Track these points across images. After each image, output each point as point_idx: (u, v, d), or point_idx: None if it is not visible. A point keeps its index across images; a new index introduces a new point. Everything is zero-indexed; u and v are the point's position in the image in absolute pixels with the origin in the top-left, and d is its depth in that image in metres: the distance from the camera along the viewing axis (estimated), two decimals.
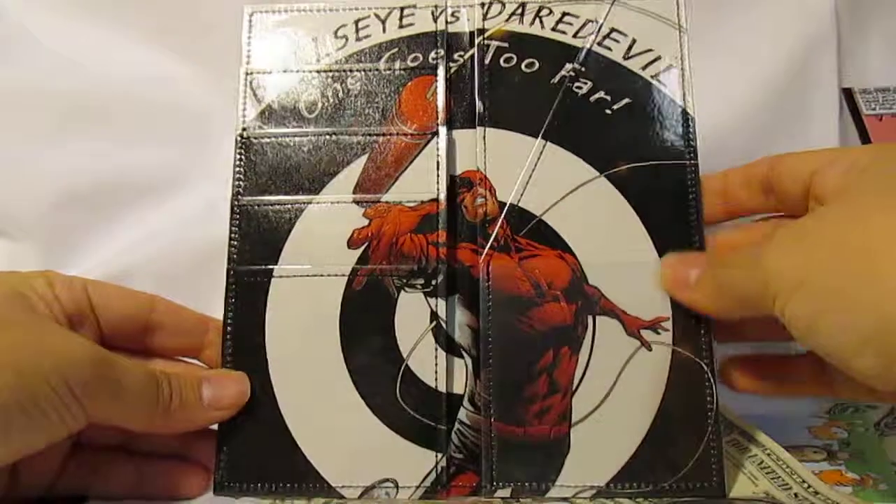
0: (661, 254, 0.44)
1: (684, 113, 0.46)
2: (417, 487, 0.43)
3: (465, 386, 0.44)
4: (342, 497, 0.43)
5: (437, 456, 0.43)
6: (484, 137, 0.47)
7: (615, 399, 0.43)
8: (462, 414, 0.44)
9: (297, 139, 0.48)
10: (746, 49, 0.73)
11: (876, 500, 0.40)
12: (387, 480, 0.43)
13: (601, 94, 0.47)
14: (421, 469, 0.43)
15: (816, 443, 0.47)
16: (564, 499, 0.42)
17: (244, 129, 0.48)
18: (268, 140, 0.48)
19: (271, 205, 0.46)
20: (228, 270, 0.46)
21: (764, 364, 0.45)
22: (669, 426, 0.42)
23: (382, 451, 0.43)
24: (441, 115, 0.47)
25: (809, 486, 0.40)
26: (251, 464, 0.43)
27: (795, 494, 0.40)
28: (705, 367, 0.43)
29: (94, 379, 0.37)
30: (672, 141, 0.46)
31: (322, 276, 0.45)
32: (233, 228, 0.46)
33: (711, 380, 0.43)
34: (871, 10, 0.76)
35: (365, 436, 0.44)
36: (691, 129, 0.46)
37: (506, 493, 0.43)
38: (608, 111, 0.47)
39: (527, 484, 0.43)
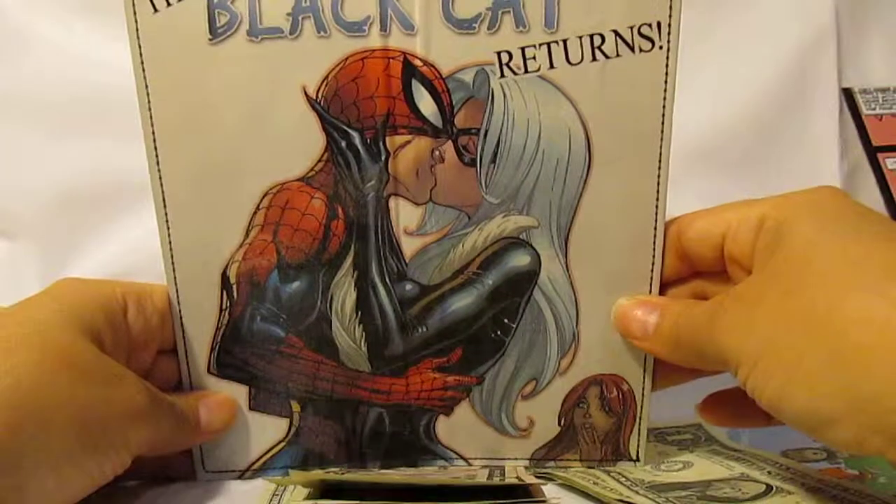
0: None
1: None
2: None
3: None
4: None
5: None
6: None
7: None
8: None
9: None
10: (746, 49, 0.73)
11: (876, 493, 0.39)
12: None
13: None
14: None
15: (816, 444, 0.47)
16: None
17: None
18: None
19: None
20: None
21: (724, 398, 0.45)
22: None
23: None
24: None
25: (782, 465, 0.44)
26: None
27: (769, 472, 0.43)
28: None
29: (147, 426, 0.38)
30: None
31: None
32: None
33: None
34: (872, 10, 0.76)
35: None
36: None
37: None
38: None
39: None
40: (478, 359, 0.44)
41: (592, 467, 0.46)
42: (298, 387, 0.44)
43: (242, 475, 0.46)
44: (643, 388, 0.44)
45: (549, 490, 0.43)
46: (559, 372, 0.44)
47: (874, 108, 0.76)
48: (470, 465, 0.46)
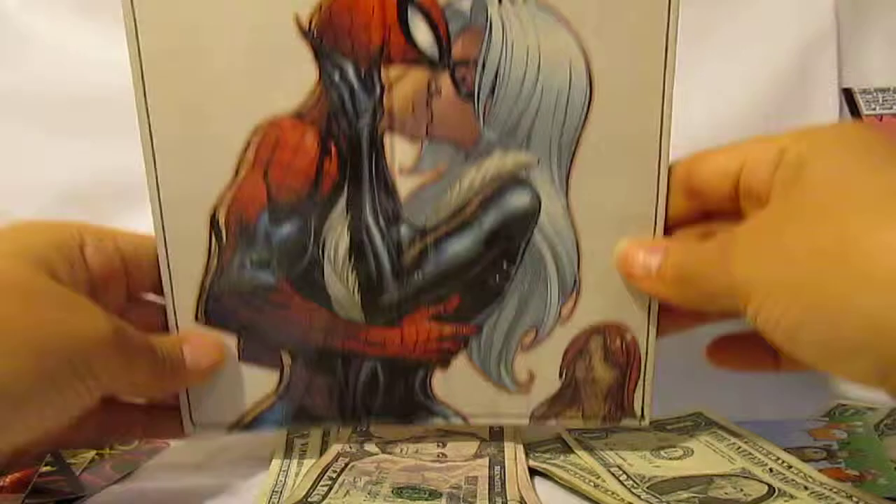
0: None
1: None
2: None
3: None
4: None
5: None
6: None
7: None
8: None
9: None
10: (747, 49, 0.72)
11: (876, 494, 0.39)
12: None
13: None
14: None
15: (816, 444, 0.46)
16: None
17: None
18: None
19: None
20: None
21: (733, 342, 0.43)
22: None
23: None
24: None
25: (784, 462, 0.42)
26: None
27: (770, 469, 0.42)
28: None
29: (114, 357, 0.36)
30: None
31: None
32: None
33: None
34: (872, 10, 0.76)
35: None
36: None
37: None
38: None
39: None
40: (476, 306, 0.42)
41: (594, 425, 0.44)
42: (289, 337, 0.43)
43: (232, 429, 0.44)
44: (647, 338, 0.42)
45: (551, 492, 0.42)
46: (560, 320, 0.43)
47: (874, 109, 0.75)
48: (468, 422, 0.44)
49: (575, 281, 0.42)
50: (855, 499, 0.38)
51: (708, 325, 0.43)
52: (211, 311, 0.42)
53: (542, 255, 0.42)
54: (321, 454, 0.46)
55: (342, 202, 0.41)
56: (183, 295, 0.42)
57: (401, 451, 0.47)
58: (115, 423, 0.44)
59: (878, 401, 0.51)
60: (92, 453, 0.47)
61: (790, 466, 0.42)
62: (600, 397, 0.44)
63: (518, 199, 0.41)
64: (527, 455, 0.46)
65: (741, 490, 0.39)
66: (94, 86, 0.64)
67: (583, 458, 0.45)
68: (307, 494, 0.40)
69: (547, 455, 0.46)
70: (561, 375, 0.43)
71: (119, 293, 0.41)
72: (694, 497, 0.39)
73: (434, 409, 0.44)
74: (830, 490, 0.39)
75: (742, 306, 0.35)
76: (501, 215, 0.41)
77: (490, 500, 0.40)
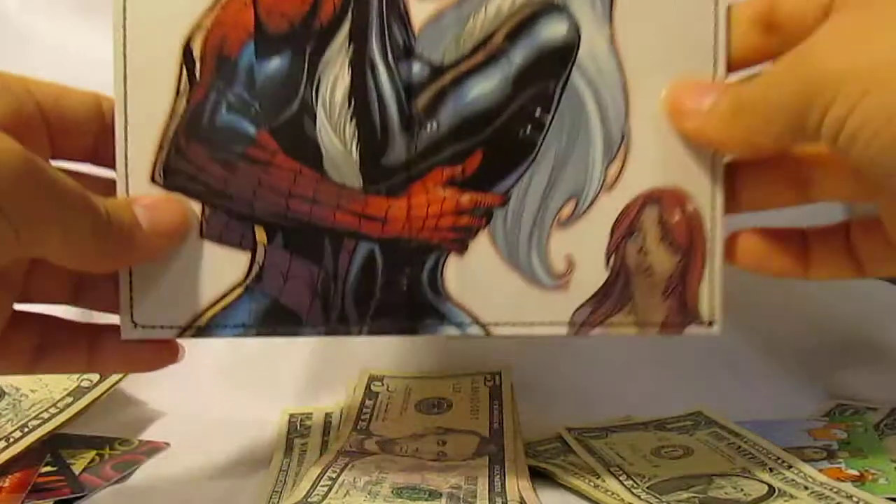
0: None
1: None
2: None
3: None
4: None
5: None
6: None
7: None
8: None
9: None
10: None
11: (876, 494, 0.38)
12: None
13: None
14: None
15: (816, 444, 0.45)
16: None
17: None
18: None
19: None
20: None
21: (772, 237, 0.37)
22: None
23: None
24: None
25: (784, 462, 0.41)
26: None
27: (770, 469, 0.41)
28: None
29: (26, 190, 0.28)
30: None
31: None
32: None
33: None
34: None
35: None
36: None
37: None
38: None
39: None
40: (501, 167, 0.35)
41: (651, 333, 0.36)
42: (267, 206, 0.35)
43: (184, 332, 0.35)
44: (714, 210, 0.35)
45: (551, 492, 0.40)
46: (605, 186, 0.35)
47: None
48: (488, 333, 0.35)
49: (622, 135, 0.35)
50: (855, 499, 0.37)
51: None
52: (172, 168, 0.34)
53: (583, 101, 0.35)
54: (321, 454, 0.44)
55: (344, 31, 0.34)
56: (139, 147, 0.34)
57: (400, 449, 0.44)
58: (54, 342, 0.36)
59: (878, 401, 0.50)
60: (92, 453, 0.46)
61: (790, 466, 0.41)
62: (657, 294, 0.35)
63: (553, 29, 0.34)
64: (527, 455, 0.44)
65: (741, 490, 0.39)
66: (95, 86, 0.60)
67: (583, 457, 0.44)
68: (307, 494, 0.38)
69: (547, 455, 0.45)
70: (608, 262, 0.35)
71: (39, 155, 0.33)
72: (694, 497, 0.38)
73: (445, 313, 0.35)
74: (830, 490, 0.38)
75: (819, 115, 0.29)
76: (533, 49, 0.34)
77: (490, 500, 0.38)
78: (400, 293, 0.35)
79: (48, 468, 0.44)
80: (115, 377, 0.50)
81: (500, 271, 0.35)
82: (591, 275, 0.35)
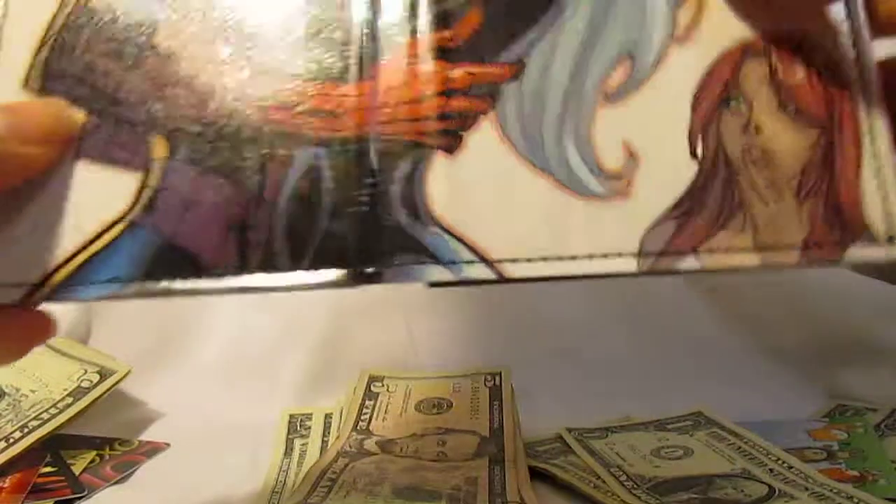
0: None
1: None
2: None
3: None
4: None
5: None
6: None
7: None
8: None
9: None
10: None
11: (876, 495, 0.38)
12: None
13: None
14: None
15: (816, 444, 0.45)
16: None
17: None
18: None
19: None
20: None
21: None
22: None
23: None
24: None
25: (784, 462, 0.41)
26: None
27: (771, 470, 0.40)
28: None
29: None
30: None
31: None
32: None
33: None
34: None
35: None
36: None
37: None
38: None
39: None
40: (511, 24, 0.25)
41: (790, 264, 0.23)
42: (172, 109, 0.26)
43: (34, 293, 0.25)
44: (862, 50, 0.24)
45: (551, 493, 0.41)
46: (676, 35, 0.25)
47: None
48: (501, 274, 0.24)
49: None
50: (855, 499, 0.37)
51: None
52: (54, 70, 0.27)
53: None
54: (321, 454, 0.44)
55: None
56: (16, 42, 0.27)
57: (400, 449, 0.44)
58: None
59: (878, 401, 0.50)
60: (92, 453, 0.46)
61: (790, 467, 0.41)
62: (788, 195, 0.23)
63: None
64: (527, 455, 0.43)
65: (742, 491, 0.39)
66: None
67: (583, 458, 0.43)
68: (307, 495, 0.38)
69: (547, 455, 0.44)
70: (694, 150, 0.24)
71: None
72: (694, 498, 0.38)
73: (430, 245, 0.24)
74: (831, 491, 0.38)
75: None
76: None
77: (490, 500, 0.38)
78: (357, 220, 0.24)
79: (48, 468, 0.44)
80: (115, 377, 0.50)
81: (516, 174, 0.24)
82: (669, 171, 0.23)
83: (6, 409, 0.47)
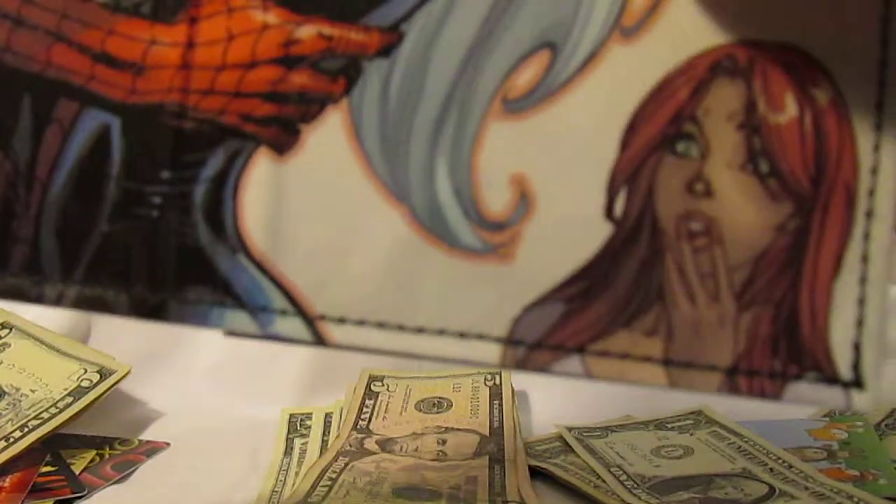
0: None
1: None
2: None
3: None
4: None
5: None
6: None
7: None
8: None
9: None
10: None
11: (876, 494, 0.38)
12: None
13: None
14: None
15: (816, 444, 0.45)
16: None
17: None
18: None
19: None
20: None
21: None
22: None
23: None
24: None
25: (784, 462, 0.41)
26: None
27: (771, 469, 0.40)
28: None
29: None
30: None
31: None
32: None
33: None
34: None
35: None
36: None
37: None
38: None
39: None
40: None
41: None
42: None
43: None
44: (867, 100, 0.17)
45: (551, 492, 0.41)
46: (622, 25, 0.18)
47: None
48: (320, 337, 0.19)
49: None
50: (855, 499, 0.37)
51: None
52: None
53: None
54: (321, 454, 0.44)
55: None
56: None
57: (400, 448, 0.44)
58: None
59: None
60: (92, 452, 0.46)
61: (790, 466, 0.41)
62: (724, 292, 0.18)
63: None
64: (527, 454, 0.43)
65: (742, 490, 0.39)
66: None
67: (583, 457, 0.43)
68: (307, 494, 0.38)
69: (547, 455, 0.44)
70: (610, 202, 0.18)
71: None
72: (694, 497, 0.38)
73: (234, 281, 0.19)
74: (831, 490, 0.38)
75: None
76: None
77: (490, 500, 0.38)
78: (144, 226, 0.18)
79: (48, 468, 0.44)
80: (115, 377, 0.50)
81: (363, 200, 0.18)
82: (572, 229, 0.17)
83: (6, 409, 0.47)
